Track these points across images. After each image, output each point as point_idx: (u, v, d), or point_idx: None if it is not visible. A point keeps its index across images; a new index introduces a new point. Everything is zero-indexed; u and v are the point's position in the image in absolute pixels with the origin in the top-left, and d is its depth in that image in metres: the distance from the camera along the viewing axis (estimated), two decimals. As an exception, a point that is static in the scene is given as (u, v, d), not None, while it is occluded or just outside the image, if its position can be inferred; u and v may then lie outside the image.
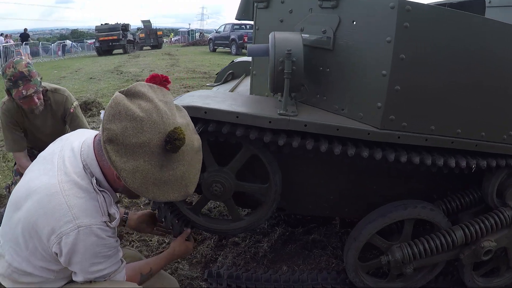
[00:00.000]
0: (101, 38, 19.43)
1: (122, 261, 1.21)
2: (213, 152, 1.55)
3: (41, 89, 2.09)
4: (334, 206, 1.77)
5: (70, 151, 1.11)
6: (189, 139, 1.07)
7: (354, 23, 1.27)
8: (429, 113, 1.27)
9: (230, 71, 2.71)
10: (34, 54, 16.21)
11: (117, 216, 1.10)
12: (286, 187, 1.66)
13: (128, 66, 11.52)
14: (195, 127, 1.20)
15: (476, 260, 1.62)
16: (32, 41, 17.11)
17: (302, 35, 1.42)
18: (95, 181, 1.07)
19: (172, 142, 0.99)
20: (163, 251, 1.72)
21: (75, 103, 2.29)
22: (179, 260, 2.09)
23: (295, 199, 1.77)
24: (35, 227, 1.02)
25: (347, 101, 1.38)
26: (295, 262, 2.06)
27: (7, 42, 13.22)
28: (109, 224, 1.07)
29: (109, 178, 1.10)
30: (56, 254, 1.04)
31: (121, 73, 9.63)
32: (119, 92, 1.05)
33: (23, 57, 2.53)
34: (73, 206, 1.01)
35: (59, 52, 20.01)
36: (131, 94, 1.03)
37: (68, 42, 25.09)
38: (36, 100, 2.06)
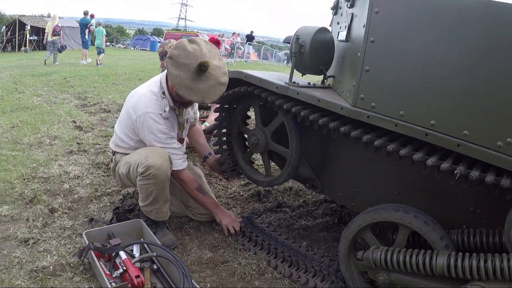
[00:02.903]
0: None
1: (182, 156, 2.15)
2: (263, 117, 2.19)
3: None
4: (358, 201, 1.92)
5: (157, 76, 2.15)
6: (216, 74, 1.91)
7: (356, 16, 1.61)
8: (397, 97, 1.39)
9: None
10: (260, 56, 20.90)
11: (168, 111, 2.05)
12: (323, 166, 2.03)
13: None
14: (241, 88, 2.06)
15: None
16: (255, 43, 21.83)
17: (341, 32, 1.84)
18: (162, 91, 2.07)
19: (199, 66, 1.84)
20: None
21: None
22: (238, 209, 2.78)
23: (327, 180, 2.09)
24: (130, 111, 2.06)
25: (344, 84, 1.70)
26: (319, 246, 2.32)
27: (233, 39, 17.53)
28: (162, 115, 2.02)
29: (170, 90, 2.07)
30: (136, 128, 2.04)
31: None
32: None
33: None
34: (146, 101, 2.02)
35: (284, 61, 24.28)
36: (190, 40, 1.94)
37: (294, 53, 29.43)
38: None
